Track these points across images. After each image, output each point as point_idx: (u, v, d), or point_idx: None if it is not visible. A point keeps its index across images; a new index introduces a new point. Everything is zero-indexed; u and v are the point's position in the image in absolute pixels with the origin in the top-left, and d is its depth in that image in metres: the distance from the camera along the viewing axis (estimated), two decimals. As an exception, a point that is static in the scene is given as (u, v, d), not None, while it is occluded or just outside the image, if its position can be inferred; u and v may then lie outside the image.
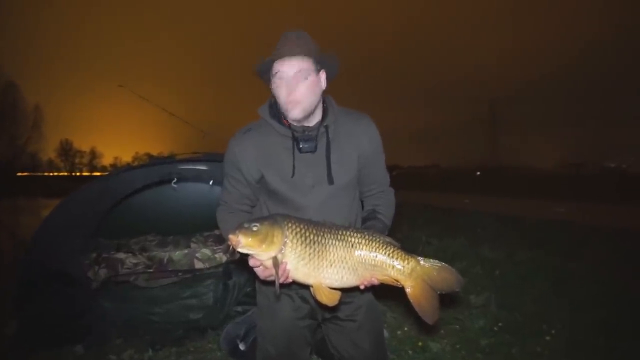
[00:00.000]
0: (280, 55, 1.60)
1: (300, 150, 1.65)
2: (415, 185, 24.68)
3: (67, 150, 63.67)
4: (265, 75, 1.69)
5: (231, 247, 1.44)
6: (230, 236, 1.42)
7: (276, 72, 1.61)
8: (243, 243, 1.41)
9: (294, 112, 1.61)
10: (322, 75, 1.69)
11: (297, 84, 1.59)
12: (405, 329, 3.50)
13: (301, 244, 1.46)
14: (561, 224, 8.36)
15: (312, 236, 1.47)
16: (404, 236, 6.85)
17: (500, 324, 3.50)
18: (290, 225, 1.47)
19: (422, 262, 1.52)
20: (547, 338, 3.26)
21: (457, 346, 3.19)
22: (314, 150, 1.65)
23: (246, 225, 1.44)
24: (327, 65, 1.69)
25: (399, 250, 1.53)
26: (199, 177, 3.67)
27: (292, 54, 1.59)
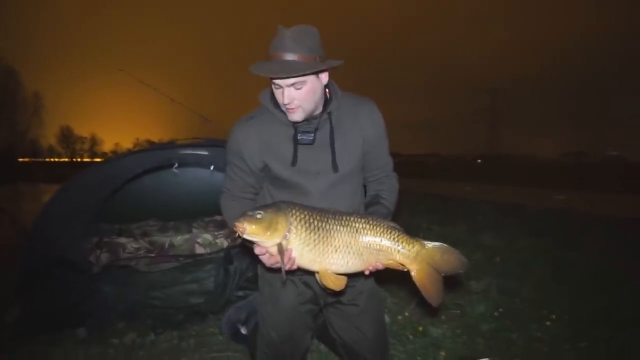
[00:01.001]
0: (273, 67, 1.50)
1: (298, 142, 1.62)
2: (415, 173, 24.69)
3: (67, 137, 63.68)
4: None
5: (236, 235, 1.44)
6: (236, 224, 1.43)
7: (271, 78, 1.54)
8: (248, 230, 1.42)
9: (294, 117, 1.57)
10: (323, 74, 1.61)
11: (295, 92, 1.53)
12: (406, 314, 3.51)
13: (305, 230, 1.46)
14: (561, 212, 8.37)
15: (316, 222, 1.47)
16: (404, 223, 6.83)
17: (500, 310, 3.51)
18: (294, 212, 1.47)
19: (426, 246, 1.53)
20: (548, 324, 3.27)
21: (458, 331, 3.21)
22: (312, 143, 1.62)
23: (250, 213, 1.44)
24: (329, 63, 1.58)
25: (403, 234, 1.53)
26: (199, 162, 3.66)
27: (285, 66, 1.48)
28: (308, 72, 1.49)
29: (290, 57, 1.48)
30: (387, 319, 3.15)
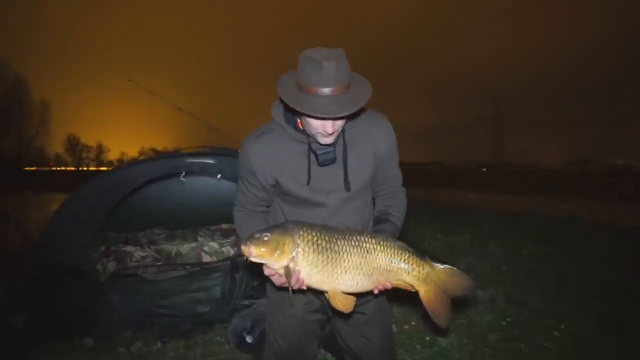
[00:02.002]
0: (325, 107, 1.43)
1: (320, 164, 1.60)
2: (420, 182, 24.66)
3: (74, 146, 64.13)
4: None
5: (245, 258, 1.45)
6: (243, 247, 1.44)
7: None
8: (255, 254, 1.43)
9: (329, 140, 1.56)
10: None
11: (337, 122, 1.51)
12: (413, 323, 3.50)
13: (313, 252, 1.45)
14: (567, 221, 8.33)
15: (324, 244, 1.47)
16: (409, 232, 6.84)
17: (508, 319, 3.50)
18: (302, 233, 1.46)
19: (436, 268, 1.54)
20: (556, 333, 3.25)
21: (465, 341, 3.19)
22: (334, 162, 1.61)
23: (258, 235, 1.45)
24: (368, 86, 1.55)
25: (413, 256, 1.54)
26: (206, 171, 3.68)
27: (343, 102, 1.43)
28: (364, 104, 1.46)
29: (339, 90, 1.43)
30: (394, 328, 3.14)
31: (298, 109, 1.42)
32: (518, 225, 7.94)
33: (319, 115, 1.42)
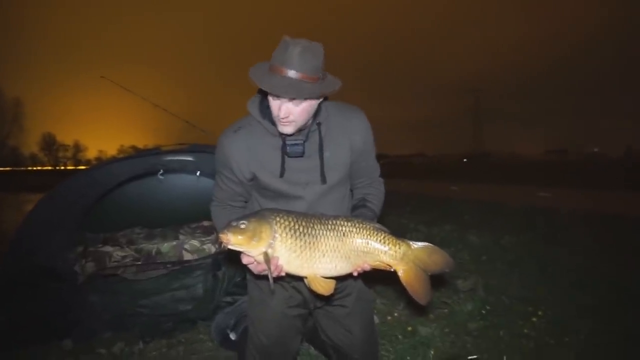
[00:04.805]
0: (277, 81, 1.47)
1: (287, 154, 1.61)
2: (402, 174, 24.85)
3: (50, 144, 62.62)
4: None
5: (222, 245, 1.45)
6: (220, 235, 1.44)
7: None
8: (232, 241, 1.43)
9: (286, 129, 1.55)
10: None
11: (293, 107, 1.51)
12: (395, 314, 3.54)
13: (291, 237, 1.46)
14: (546, 210, 8.49)
15: (301, 228, 1.47)
16: (391, 224, 6.88)
17: (487, 308, 3.55)
18: (278, 219, 1.47)
19: (413, 246, 1.55)
20: (534, 320, 3.32)
21: (446, 330, 3.24)
22: (302, 155, 1.62)
23: (234, 223, 1.45)
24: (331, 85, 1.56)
25: (390, 236, 1.55)
26: (185, 168, 3.63)
27: (291, 85, 1.45)
28: (314, 96, 1.47)
29: (295, 75, 1.45)
30: (376, 319, 3.17)
31: (253, 79, 1.46)
32: (498, 215, 8.07)
33: (259, 84, 1.45)
